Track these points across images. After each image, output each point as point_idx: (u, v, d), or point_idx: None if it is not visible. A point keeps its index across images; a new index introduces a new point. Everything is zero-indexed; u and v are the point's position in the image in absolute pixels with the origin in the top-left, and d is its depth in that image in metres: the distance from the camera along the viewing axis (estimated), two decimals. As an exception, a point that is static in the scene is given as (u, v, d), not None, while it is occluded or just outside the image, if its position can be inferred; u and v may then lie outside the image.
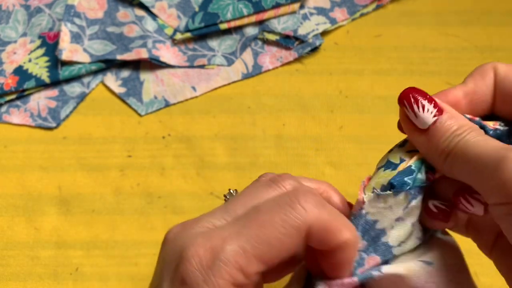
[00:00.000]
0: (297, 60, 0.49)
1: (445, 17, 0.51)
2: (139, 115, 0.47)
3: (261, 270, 0.23)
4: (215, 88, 0.48)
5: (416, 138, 0.26)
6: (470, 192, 0.25)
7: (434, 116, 0.25)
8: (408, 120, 0.26)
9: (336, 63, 0.49)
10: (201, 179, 0.44)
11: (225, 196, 0.31)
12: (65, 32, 0.49)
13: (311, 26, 0.50)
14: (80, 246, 0.42)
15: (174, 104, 0.47)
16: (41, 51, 0.49)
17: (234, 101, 0.48)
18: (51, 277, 0.41)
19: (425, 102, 0.25)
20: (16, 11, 0.52)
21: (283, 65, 0.49)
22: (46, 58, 0.49)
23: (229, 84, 0.48)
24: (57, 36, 0.50)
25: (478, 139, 0.24)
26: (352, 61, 0.49)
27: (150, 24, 0.50)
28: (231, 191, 0.31)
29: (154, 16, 0.51)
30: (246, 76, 0.48)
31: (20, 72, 0.48)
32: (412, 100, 0.26)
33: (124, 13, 0.51)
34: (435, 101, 0.25)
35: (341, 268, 0.25)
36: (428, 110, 0.25)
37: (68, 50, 0.48)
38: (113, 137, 0.46)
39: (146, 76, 0.49)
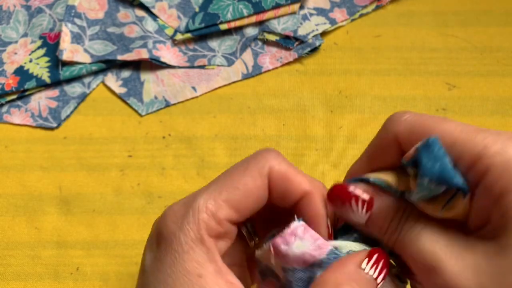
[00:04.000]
0: (297, 60, 0.49)
1: (445, 17, 0.51)
2: (140, 115, 0.47)
3: (233, 217, 0.24)
4: (215, 88, 0.48)
5: (360, 227, 0.26)
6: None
7: (366, 211, 0.25)
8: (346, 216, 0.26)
9: (336, 63, 0.49)
10: (201, 179, 0.44)
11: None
12: (66, 33, 0.49)
13: (311, 27, 0.50)
14: (81, 245, 0.42)
15: (174, 104, 0.48)
16: (41, 52, 0.50)
17: (234, 101, 0.48)
18: (52, 277, 0.41)
19: (353, 203, 0.25)
20: (17, 12, 0.52)
21: (283, 65, 0.49)
22: (46, 59, 0.49)
23: (229, 84, 0.48)
24: (57, 36, 0.50)
25: (411, 238, 0.24)
26: (351, 61, 0.49)
27: (150, 25, 0.50)
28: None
29: (154, 16, 0.51)
30: (246, 76, 0.49)
31: (21, 72, 0.48)
32: (340, 204, 0.25)
33: (125, 14, 0.51)
34: (362, 199, 0.25)
35: (313, 225, 0.25)
36: (358, 210, 0.25)
37: (68, 50, 0.48)
38: (113, 137, 0.46)
39: (146, 76, 0.49)
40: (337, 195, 0.25)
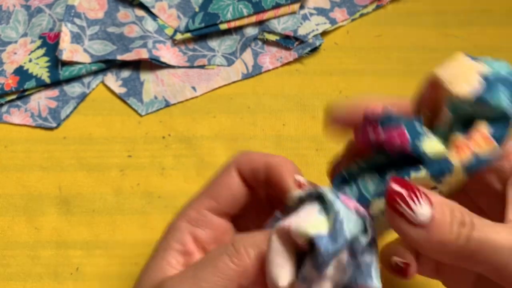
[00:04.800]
0: (297, 60, 0.49)
1: (445, 17, 0.51)
2: (139, 115, 0.47)
3: (213, 206, 0.30)
4: (215, 88, 0.48)
5: (414, 234, 0.23)
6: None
7: (430, 206, 0.23)
8: (401, 217, 0.23)
9: (336, 63, 0.49)
10: (201, 179, 0.44)
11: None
12: (66, 33, 0.49)
13: (311, 27, 0.50)
14: (80, 246, 0.42)
15: (174, 104, 0.48)
16: (41, 51, 0.50)
17: (234, 101, 0.48)
18: (52, 277, 0.41)
19: (418, 194, 0.23)
20: (17, 12, 0.52)
21: (283, 65, 0.49)
22: (46, 58, 0.49)
23: (229, 84, 0.48)
24: (57, 36, 0.50)
25: (486, 231, 0.22)
26: (352, 61, 0.49)
27: (150, 25, 0.50)
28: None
29: (154, 16, 0.51)
30: (246, 76, 0.49)
31: (21, 72, 0.48)
32: (406, 194, 0.23)
33: (125, 14, 0.51)
34: (422, 190, 0.23)
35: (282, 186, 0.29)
36: (422, 202, 0.23)
37: (68, 50, 0.48)
38: (113, 137, 0.46)
39: (146, 76, 0.49)
40: (403, 186, 0.23)
